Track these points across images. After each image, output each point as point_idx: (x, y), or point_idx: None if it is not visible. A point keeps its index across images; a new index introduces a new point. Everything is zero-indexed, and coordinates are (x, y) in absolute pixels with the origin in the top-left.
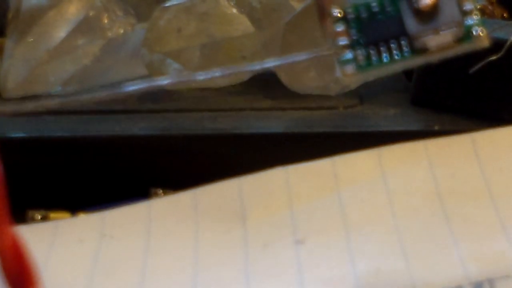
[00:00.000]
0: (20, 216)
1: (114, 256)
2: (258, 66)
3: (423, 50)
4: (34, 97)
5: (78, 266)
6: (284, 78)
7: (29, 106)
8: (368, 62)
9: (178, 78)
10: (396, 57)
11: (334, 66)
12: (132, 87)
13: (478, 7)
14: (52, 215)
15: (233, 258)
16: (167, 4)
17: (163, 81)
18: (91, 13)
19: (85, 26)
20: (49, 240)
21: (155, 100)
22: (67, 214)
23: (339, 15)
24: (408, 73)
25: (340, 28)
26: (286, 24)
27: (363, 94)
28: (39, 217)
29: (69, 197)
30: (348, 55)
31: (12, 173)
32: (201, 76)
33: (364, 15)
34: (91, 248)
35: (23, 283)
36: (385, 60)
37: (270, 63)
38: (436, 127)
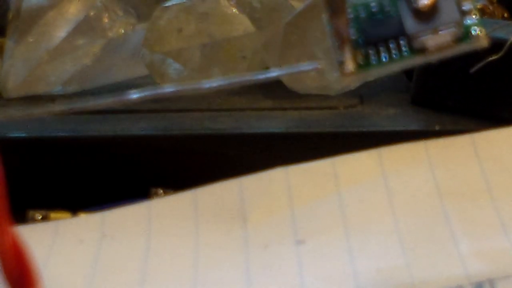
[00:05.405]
0: (20, 216)
1: (114, 256)
2: (262, 75)
3: (422, 50)
4: (36, 97)
5: (78, 266)
6: (284, 78)
7: (36, 111)
8: (367, 62)
9: (183, 87)
10: (395, 57)
11: (334, 66)
12: (137, 95)
13: (478, 7)
14: (53, 215)
15: (233, 259)
16: (167, 4)
17: (168, 89)
18: (91, 13)
19: (86, 26)
20: (49, 240)
21: (156, 100)
22: (67, 214)
23: None
24: (408, 73)
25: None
26: (287, 24)
27: (363, 94)
28: (39, 217)
29: (69, 197)
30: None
31: (12, 173)
32: (207, 84)
33: (363, 14)
34: (91, 248)
35: (23, 283)
36: (384, 60)
37: (275, 73)
38: (437, 127)
